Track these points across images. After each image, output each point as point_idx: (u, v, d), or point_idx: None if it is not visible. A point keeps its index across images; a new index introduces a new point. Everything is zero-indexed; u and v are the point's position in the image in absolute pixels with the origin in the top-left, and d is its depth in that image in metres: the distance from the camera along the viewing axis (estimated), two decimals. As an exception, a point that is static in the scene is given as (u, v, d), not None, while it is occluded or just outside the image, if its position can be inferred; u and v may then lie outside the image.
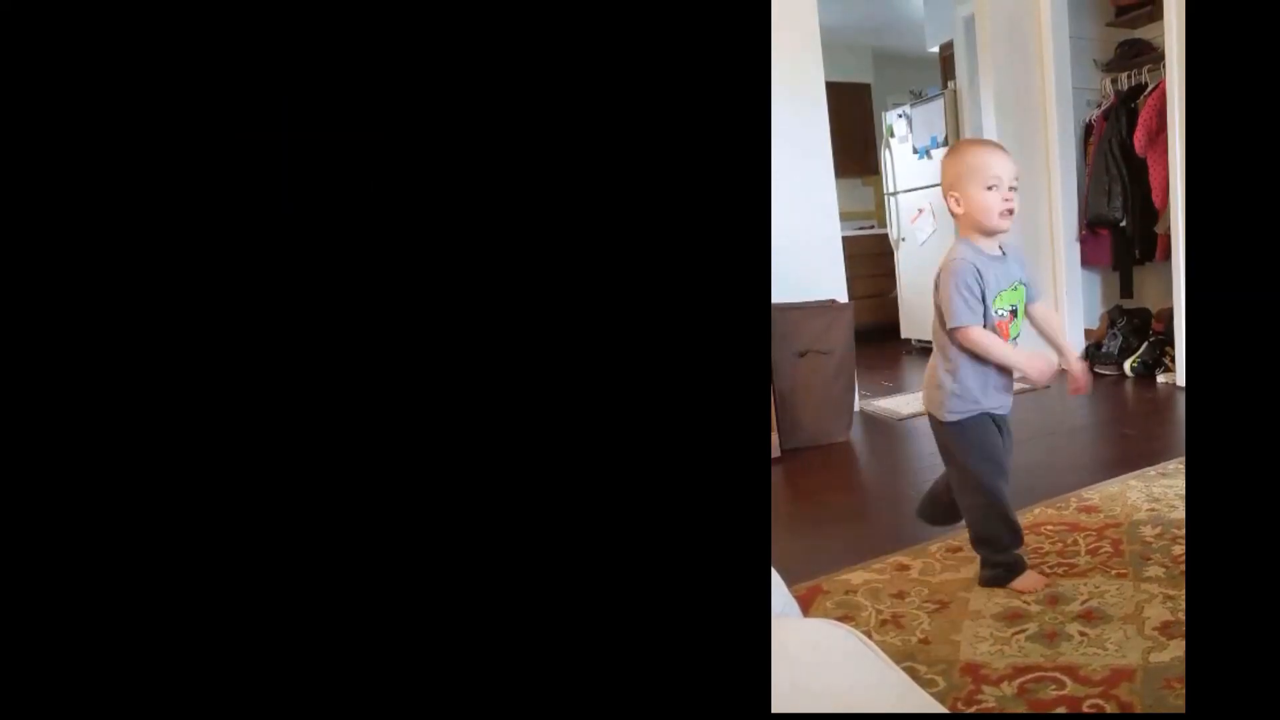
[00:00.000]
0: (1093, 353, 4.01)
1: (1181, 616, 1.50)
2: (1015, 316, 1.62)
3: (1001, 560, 1.67)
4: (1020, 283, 1.61)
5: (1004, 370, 1.62)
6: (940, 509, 1.83)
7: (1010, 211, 1.54)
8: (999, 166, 1.52)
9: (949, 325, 1.55)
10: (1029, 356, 1.57)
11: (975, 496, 1.65)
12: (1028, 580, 1.67)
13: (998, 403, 1.64)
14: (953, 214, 1.57)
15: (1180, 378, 3.49)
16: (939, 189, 1.66)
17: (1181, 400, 3.29)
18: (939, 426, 1.67)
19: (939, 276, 1.59)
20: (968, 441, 1.63)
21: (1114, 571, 1.73)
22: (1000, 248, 1.60)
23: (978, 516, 1.67)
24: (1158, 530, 1.92)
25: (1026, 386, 3.73)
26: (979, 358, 1.57)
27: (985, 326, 1.56)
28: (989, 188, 1.51)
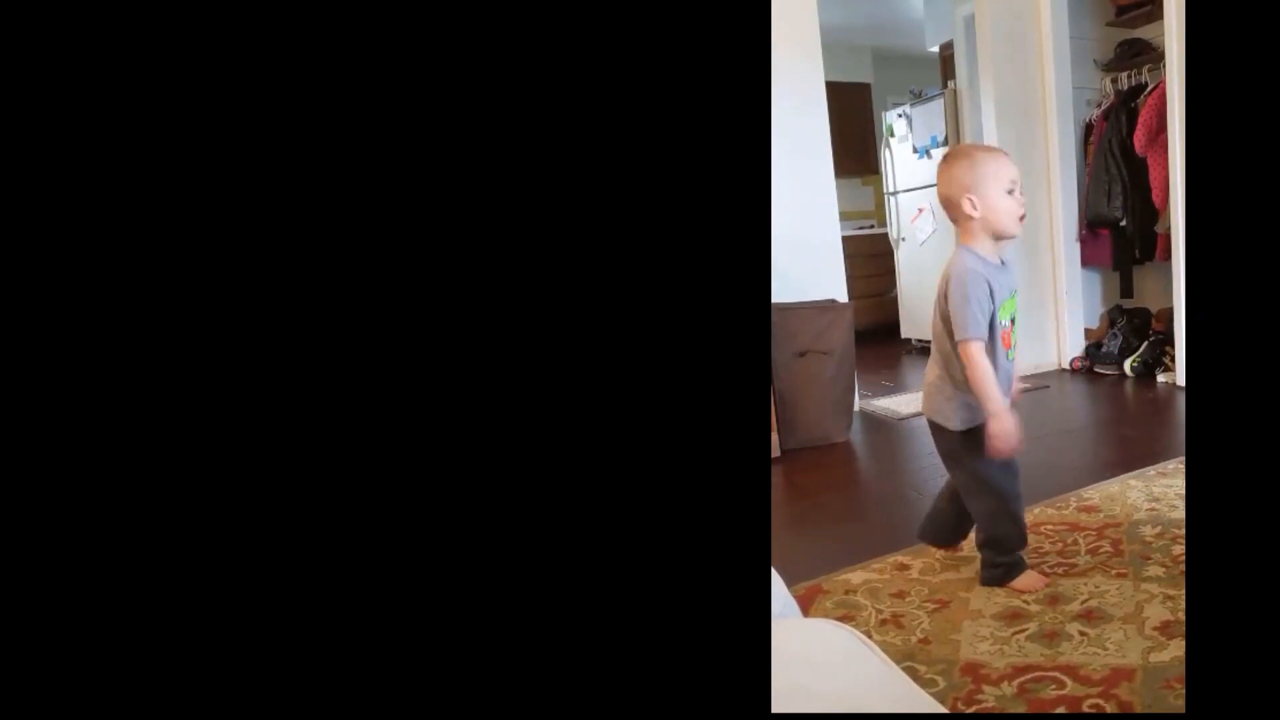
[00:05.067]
0: (1093, 352, 4.01)
1: (1181, 616, 1.50)
2: (1014, 325, 1.62)
3: (1005, 561, 1.68)
4: (1014, 291, 1.61)
5: (1007, 381, 1.61)
6: (944, 527, 1.82)
7: (1023, 216, 1.56)
8: (1014, 170, 1.53)
9: (959, 336, 1.53)
10: (1006, 413, 1.54)
11: (987, 501, 1.65)
12: (1028, 579, 1.67)
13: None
14: (967, 217, 1.53)
15: (1180, 377, 3.49)
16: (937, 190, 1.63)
17: (1181, 400, 3.29)
18: (946, 435, 1.65)
19: (946, 285, 1.56)
20: (980, 448, 1.60)
21: (1114, 571, 1.73)
22: (1000, 257, 1.59)
23: (989, 520, 1.66)
24: (1158, 530, 1.92)
25: (1024, 387, 3.75)
26: (988, 365, 1.55)
27: (991, 337, 1.55)
28: (1009, 192, 1.50)
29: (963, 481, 1.69)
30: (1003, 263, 1.59)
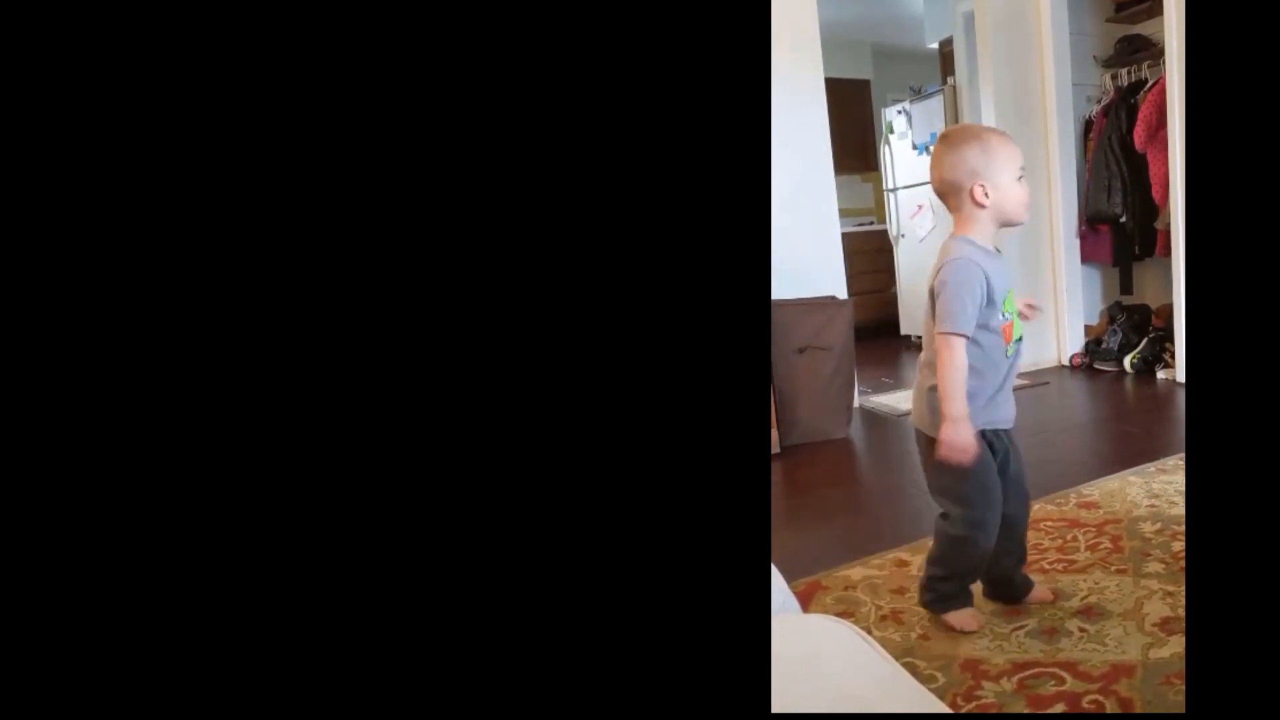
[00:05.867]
0: (1093, 349, 4.01)
1: (1181, 613, 1.50)
2: (1015, 319, 1.49)
3: (947, 590, 1.54)
4: (1010, 284, 1.49)
5: (1005, 375, 1.48)
6: (1012, 585, 1.61)
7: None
8: (1020, 155, 1.42)
9: (941, 327, 1.39)
10: (965, 422, 1.38)
11: (956, 527, 1.50)
12: (964, 617, 1.53)
13: (1003, 415, 1.49)
14: (976, 204, 1.40)
15: (1180, 374, 3.49)
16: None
17: (1181, 396, 3.29)
18: (930, 445, 1.46)
19: (940, 276, 1.43)
20: (965, 466, 1.44)
21: (1114, 568, 1.73)
22: (995, 245, 1.47)
23: (951, 545, 1.52)
24: (1157, 526, 1.92)
25: (1024, 384, 3.75)
26: (981, 364, 1.42)
27: (990, 329, 1.43)
28: (1019, 178, 1.40)
29: (942, 499, 1.53)
30: (997, 250, 1.47)
